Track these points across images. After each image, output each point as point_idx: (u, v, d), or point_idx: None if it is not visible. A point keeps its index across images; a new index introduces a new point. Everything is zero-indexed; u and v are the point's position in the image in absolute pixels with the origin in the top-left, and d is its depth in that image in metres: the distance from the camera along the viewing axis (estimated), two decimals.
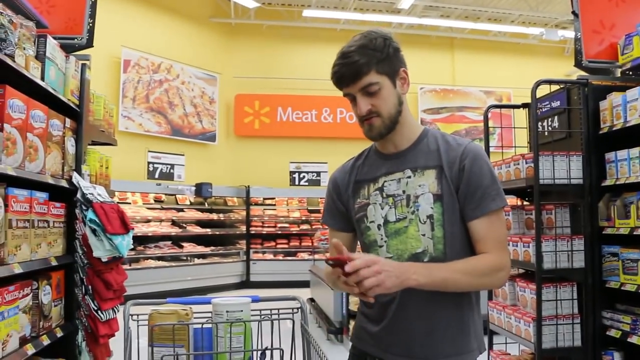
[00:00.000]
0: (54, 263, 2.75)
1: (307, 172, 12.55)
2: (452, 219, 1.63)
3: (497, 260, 1.60)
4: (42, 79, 2.68)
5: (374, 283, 1.39)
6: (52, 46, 2.80)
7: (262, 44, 13.44)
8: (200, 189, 11.12)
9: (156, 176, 10.86)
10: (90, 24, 3.43)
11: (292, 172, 12.53)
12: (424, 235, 1.64)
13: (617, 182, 3.25)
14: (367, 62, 1.59)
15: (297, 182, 12.50)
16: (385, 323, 1.68)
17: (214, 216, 11.53)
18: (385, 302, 1.68)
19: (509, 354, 3.91)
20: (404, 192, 1.68)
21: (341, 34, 13.34)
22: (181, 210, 11.09)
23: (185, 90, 12.37)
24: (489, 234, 1.62)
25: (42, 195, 2.64)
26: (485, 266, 1.59)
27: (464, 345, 1.65)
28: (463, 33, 14.07)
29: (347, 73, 1.61)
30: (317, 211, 12.31)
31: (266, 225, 12.05)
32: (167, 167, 11.12)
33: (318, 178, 12.50)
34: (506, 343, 4.02)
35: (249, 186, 12.08)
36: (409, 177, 1.68)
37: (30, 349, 2.45)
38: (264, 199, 12.33)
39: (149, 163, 10.81)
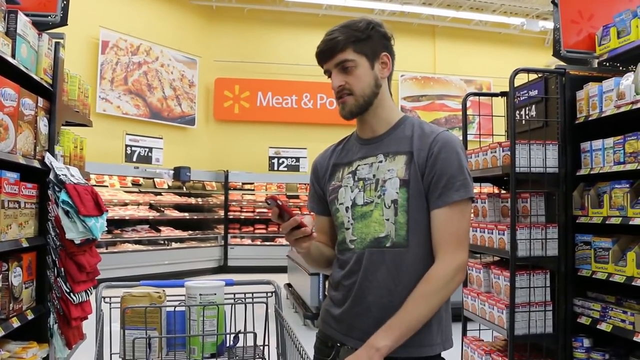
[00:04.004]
0: (25, 244, 2.71)
1: (287, 158, 12.52)
2: (417, 206, 1.62)
3: (450, 267, 1.57)
4: (13, 56, 2.61)
5: None
6: (23, 23, 2.73)
7: (243, 28, 13.31)
8: (179, 173, 11.04)
9: (134, 159, 10.74)
10: (65, 2, 3.35)
11: (271, 158, 12.48)
12: (387, 220, 1.63)
13: (592, 172, 3.28)
14: (344, 40, 1.64)
15: (276, 168, 12.47)
16: (347, 306, 1.68)
17: (192, 200, 11.46)
18: (348, 285, 1.69)
19: (482, 340, 3.95)
20: (374, 176, 1.68)
21: (323, 19, 13.27)
22: (159, 194, 11.01)
23: (164, 73, 12.22)
24: (447, 227, 1.60)
25: (12, 176, 2.59)
26: (438, 282, 1.56)
27: (424, 338, 1.61)
28: (445, 21, 14.09)
29: (325, 48, 1.66)
30: (296, 197, 12.30)
31: (244, 210, 12.02)
32: (145, 151, 10.99)
33: (297, 164, 12.48)
34: (479, 329, 4.07)
35: (227, 171, 12.02)
36: (381, 161, 1.69)
37: None
38: (243, 183, 12.28)
39: (127, 146, 10.67)
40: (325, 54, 1.66)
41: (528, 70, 3.59)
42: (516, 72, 3.47)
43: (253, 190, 12.31)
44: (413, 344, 1.59)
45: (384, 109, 1.73)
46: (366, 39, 1.66)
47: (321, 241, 1.82)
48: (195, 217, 11.31)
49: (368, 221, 1.66)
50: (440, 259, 1.59)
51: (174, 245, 10.65)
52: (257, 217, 11.97)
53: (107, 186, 10.02)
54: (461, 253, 1.60)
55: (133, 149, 10.79)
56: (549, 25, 13.06)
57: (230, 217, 11.88)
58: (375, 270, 1.63)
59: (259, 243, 11.82)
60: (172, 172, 11.12)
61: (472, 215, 3.53)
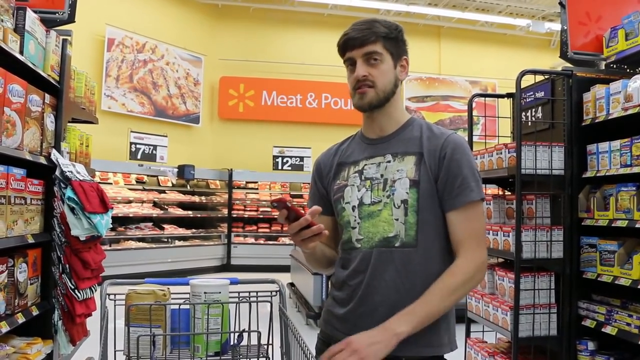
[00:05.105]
0: (31, 241, 2.71)
1: (291, 157, 12.51)
2: (427, 206, 1.62)
3: (473, 263, 1.59)
4: (21, 52, 2.61)
5: None
6: (31, 19, 2.73)
7: (249, 27, 13.31)
8: (183, 171, 11.05)
9: (138, 157, 10.75)
10: None
11: (275, 157, 12.47)
12: (397, 219, 1.63)
13: (598, 174, 3.27)
14: (376, 33, 1.65)
15: (280, 167, 12.47)
16: (352, 306, 1.68)
17: (196, 198, 11.47)
18: (353, 285, 1.68)
19: (486, 342, 3.94)
20: (382, 175, 1.68)
21: (328, 19, 13.25)
22: (163, 191, 11.02)
23: (169, 71, 12.23)
24: (467, 226, 1.61)
25: (19, 172, 2.60)
26: (463, 277, 1.58)
27: (431, 338, 1.61)
28: (450, 22, 14.06)
29: (356, 36, 1.66)
30: (300, 196, 12.30)
31: (248, 209, 12.02)
32: (149, 148, 11.00)
33: (301, 163, 12.47)
34: (483, 331, 4.05)
35: (231, 169, 12.02)
36: (389, 161, 1.69)
37: (4, 327, 2.41)
38: (247, 182, 12.29)
39: (131, 143, 10.69)
40: (356, 42, 1.66)
41: (535, 72, 3.58)
42: (523, 73, 3.46)
43: (257, 189, 12.32)
44: (422, 343, 1.59)
45: (396, 109, 1.75)
46: (394, 39, 1.69)
47: (322, 241, 1.82)
48: (199, 216, 11.32)
49: (376, 220, 1.66)
50: (462, 255, 1.60)
51: (177, 243, 10.66)
52: (261, 216, 11.97)
53: (111, 183, 10.04)
54: (482, 251, 1.63)
55: (137, 146, 10.81)
56: (555, 26, 13.03)
57: (234, 215, 11.88)
58: (384, 270, 1.62)
59: (262, 242, 11.82)
60: (176, 170, 11.13)
61: None
